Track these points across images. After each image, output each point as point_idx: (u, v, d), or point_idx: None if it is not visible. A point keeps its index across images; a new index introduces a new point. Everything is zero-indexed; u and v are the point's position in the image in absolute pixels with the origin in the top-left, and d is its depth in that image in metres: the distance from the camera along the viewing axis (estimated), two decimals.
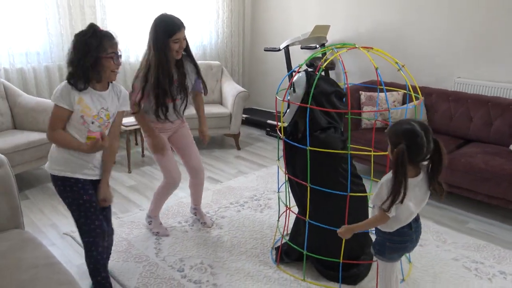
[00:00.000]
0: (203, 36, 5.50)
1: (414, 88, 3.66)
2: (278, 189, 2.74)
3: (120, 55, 1.97)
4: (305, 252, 2.43)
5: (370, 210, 2.17)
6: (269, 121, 5.28)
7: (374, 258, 2.51)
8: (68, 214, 3.10)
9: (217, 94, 4.97)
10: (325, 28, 4.77)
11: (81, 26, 4.35)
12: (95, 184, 2.12)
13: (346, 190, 2.26)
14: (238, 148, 4.76)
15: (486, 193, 3.14)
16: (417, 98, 3.11)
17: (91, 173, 2.08)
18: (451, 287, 2.42)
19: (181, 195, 3.50)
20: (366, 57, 4.72)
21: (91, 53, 1.86)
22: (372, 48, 2.37)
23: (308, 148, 2.24)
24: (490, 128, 3.62)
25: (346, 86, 2.36)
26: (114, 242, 2.69)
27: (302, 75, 2.45)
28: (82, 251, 2.66)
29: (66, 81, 1.94)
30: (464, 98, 3.80)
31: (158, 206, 2.94)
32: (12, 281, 1.67)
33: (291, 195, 2.61)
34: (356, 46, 2.35)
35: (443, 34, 4.13)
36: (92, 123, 1.98)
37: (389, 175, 1.76)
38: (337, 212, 2.31)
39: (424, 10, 4.22)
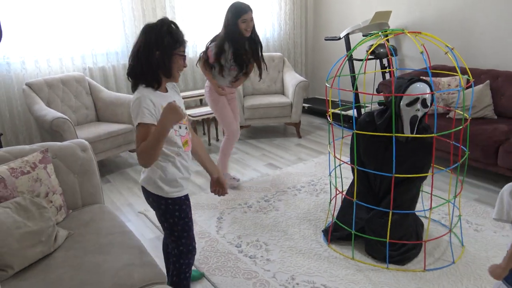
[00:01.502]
0: (266, 29, 5.70)
1: (464, 70, 3.55)
2: (330, 172, 2.86)
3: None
4: (353, 231, 2.55)
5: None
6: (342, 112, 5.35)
7: (423, 238, 2.57)
8: (142, 195, 3.52)
9: (279, 85, 5.15)
10: (387, 14, 4.74)
11: None
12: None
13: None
14: (299, 136, 4.92)
15: None
16: (468, 81, 3.05)
17: (189, 186, 1.98)
18: None
19: (242, 180, 3.74)
20: (435, 41, 4.63)
21: (166, 48, 1.70)
22: (420, 33, 2.40)
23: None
24: None
25: (390, 71, 2.41)
26: None
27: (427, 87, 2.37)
28: (153, 227, 3.04)
29: (141, 86, 1.73)
30: None
31: (225, 163, 3.56)
32: (93, 244, 2.00)
33: (344, 179, 2.73)
34: (404, 31, 2.39)
35: (510, 15, 3.94)
36: (180, 128, 1.83)
37: None
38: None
39: None
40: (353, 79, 4.72)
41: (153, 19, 4.69)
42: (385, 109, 2.51)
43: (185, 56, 1.77)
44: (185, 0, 4.94)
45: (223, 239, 2.85)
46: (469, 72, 2.34)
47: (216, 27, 5.21)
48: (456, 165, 2.43)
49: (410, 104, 2.34)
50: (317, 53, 6.24)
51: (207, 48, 3.30)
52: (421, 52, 2.20)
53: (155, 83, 1.74)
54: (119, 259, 1.89)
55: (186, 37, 1.81)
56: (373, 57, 4.72)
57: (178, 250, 1.94)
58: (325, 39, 5.21)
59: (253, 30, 3.25)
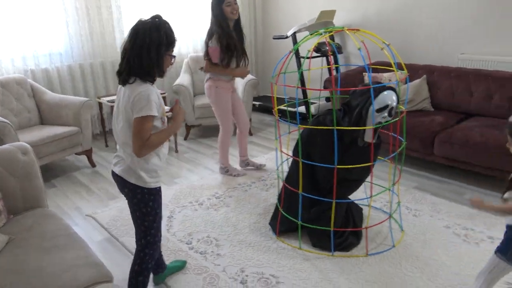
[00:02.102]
0: None
1: (400, 65, 3.74)
2: (277, 167, 2.94)
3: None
4: (299, 222, 2.64)
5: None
6: (288, 109, 5.46)
7: (364, 225, 2.71)
8: (91, 198, 3.48)
9: None
10: (331, 13, 4.90)
11: (98, 26, 4.68)
12: None
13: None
14: (250, 134, 4.97)
15: (483, 164, 3.24)
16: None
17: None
18: (439, 251, 2.57)
19: (193, 179, 3.77)
20: (372, 38, 4.83)
21: (163, 48, 1.80)
22: (358, 30, 2.51)
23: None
24: (490, 102, 3.69)
25: (335, 67, 2.52)
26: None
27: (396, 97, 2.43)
28: (102, 229, 3.01)
29: (138, 80, 1.80)
30: (465, 74, 3.87)
31: (225, 155, 3.77)
32: (37, 248, 1.97)
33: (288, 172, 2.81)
34: (343, 28, 2.50)
35: (446, 13, 4.19)
36: (164, 118, 1.93)
37: None
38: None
39: None
40: (300, 75, 4.84)
41: (98, 18, 4.65)
42: (346, 110, 2.54)
43: (174, 56, 1.90)
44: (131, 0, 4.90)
45: (174, 237, 2.86)
46: (404, 67, 2.48)
47: (167, 15, 5.18)
48: (393, 154, 2.57)
49: (380, 110, 2.37)
50: (267, 51, 6.34)
51: (207, 47, 3.41)
52: (359, 49, 2.31)
53: (151, 79, 1.84)
54: (63, 262, 1.87)
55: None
56: (319, 54, 4.87)
57: (145, 240, 2.00)
58: (273, 38, 5.31)
59: (237, 19, 3.41)
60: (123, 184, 1.95)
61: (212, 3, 3.34)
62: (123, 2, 4.83)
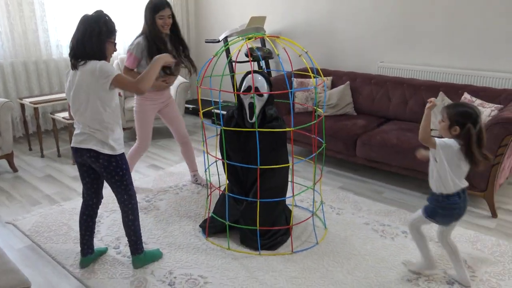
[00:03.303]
0: None
1: (317, 71, 3.94)
2: (205, 169, 2.98)
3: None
4: (227, 222, 2.70)
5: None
6: (215, 111, 5.50)
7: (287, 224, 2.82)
8: (11, 204, 3.30)
9: None
10: (261, 19, 5.03)
11: (20, 24, 4.45)
12: None
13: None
14: None
15: (399, 165, 3.51)
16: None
17: None
18: (357, 246, 2.75)
19: None
20: (303, 44, 5.03)
21: (102, 36, 2.14)
22: (279, 37, 2.63)
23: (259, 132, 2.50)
24: (405, 107, 4.00)
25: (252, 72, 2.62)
26: (54, 227, 2.94)
27: (262, 78, 2.69)
28: (23, 236, 2.87)
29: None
30: (384, 81, 4.16)
31: (131, 165, 3.43)
32: None
33: (221, 175, 2.86)
34: (264, 35, 2.61)
35: (367, 22, 4.48)
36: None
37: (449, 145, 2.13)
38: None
39: (351, 0, 4.56)
40: (232, 79, 4.92)
41: (19, 14, 4.41)
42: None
43: (115, 43, 2.25)
44: None
45: (101, 242, 2.80)
46: (321, 73, 2.64)
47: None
48: (313, 155, 2.72)
49: (246, 91, 2.66)
50: (200, 55, 6.36)
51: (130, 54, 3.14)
52: (278, 55, 2.42)
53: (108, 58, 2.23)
54: None
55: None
56: (247, 60, 4.98)
57: (128, 195, 2.38)
58: (206, 42, 5.35)
59: (175, 28, 3.21)
60: (96, 157, 2.25)
61: (145, 10, 3.11)
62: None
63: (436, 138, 2.15)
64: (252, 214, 2.68)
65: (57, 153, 4.37)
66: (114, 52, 2.28)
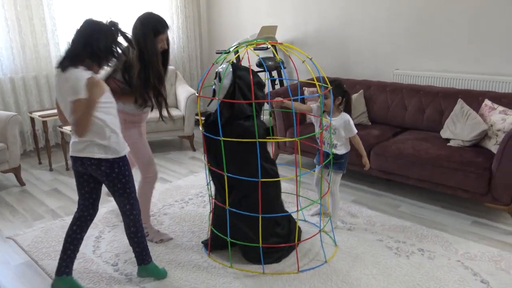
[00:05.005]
0: None
1: (323, 79, 3.79)
2: (207, 183, 2.84)
3: None
4: (228, 239, 2.56)
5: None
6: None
7: (294, 240, 2.65)
8: (14, 219, 3.24)
9: (172, 98, 5.10)
10: (272, 28, 4.93)
11: (31, 38, 4.47)
12: None
13: (265, 175, 2.41)
14: (193, 149, 4.88)
15: (416, 177, 3.30)
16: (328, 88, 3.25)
17: None
18: (369, 265, 2.56)
19: None
20: (315, 53, 4.90)
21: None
22: (281, 44, 2.51)
23: (224, 139, 2.37)
24: (423, 116, 3.79)
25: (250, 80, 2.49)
26: (54, 243, 2.86)
27: (227, 66, 2.56)
28: (22, 252, 2.80)
29: (81, 67, 2.07)
30: (400, 89, 3.97)
31: (146, 211, 2.86)
32: None
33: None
34: (266, 42, 2.49)
35: (382, 29, 4.31)
36: None
37: (342, 118, 2.79)
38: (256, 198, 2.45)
39: (365, 7, 4.40)
40: None
41: (30, 29, 4.43)
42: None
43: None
44: (66, 11, 4.71)
45: (99, 258, 2.70)
46: (326, 80, 2.49)
47: None
48: (318, 168, 2.56)
49: (214, 78, 2.59)
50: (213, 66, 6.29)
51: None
52: (280, 60, 2.29)
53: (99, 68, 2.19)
54: None
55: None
56: (262, 69, 4.87)
57: (130, 204, 2.30)
58: (216, 52, 5.28)
59: (167, 52, 2.70)
60: (97, 164, 2.16)
61: (143, 30, 2.48)
62: (58, 14, 4.64)
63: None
64: (243, 229, 2.54)
65: (66, 166, 4.33)
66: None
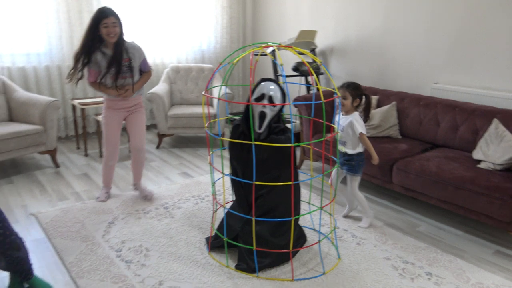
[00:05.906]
0: (202, 41, 5.76)
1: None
2: (213, 183, 2.85)
3: None
4: (225, 238, 2.56)
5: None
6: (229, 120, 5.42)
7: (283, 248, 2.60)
8: (42, 197, 3.46)
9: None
10: (311, 33, 4.87)
11: (79, 30, 4.73)
12: None
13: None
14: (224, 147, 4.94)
15: (438, 197, 3.12)
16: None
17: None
18: (368, 283, 2.45)
19: (149, 188, 3.71)
20: (354, 61, 4.78)
21: None
22: (292, 47, 2.48)
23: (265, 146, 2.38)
24: (456, 133, 3.58)
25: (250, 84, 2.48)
26: (70, 223, 3.04)
27: (275, 87, 2.54)
28: (39, 229, 2.98)
29: None
30: (434, 103, 3.77)
31: (105, 177, 3.48)
32: None
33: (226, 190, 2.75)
34: (274, 44, 2.46)
35: (423, 40, 4.13)
36: None
37: (350, 117, 2.88)
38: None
39: (407, 17, 4.24)
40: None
41: (79, 21, 4.70)
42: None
43: None
44: (115, 5, 4.94)
45: (106, 243, 2.80)
46: (335, 86, 2.42)
47: (151, 27, 5.21)
48: (322, 174, 2.49)
49: (258, 99, 2.48)
50: (256, 67, 6.34)
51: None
52: (281, 65, 2.27)
53: None
54: None
55: None
56: (298, 74, 4.84)
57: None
58: (255, 54, 5.30)
59: (119, 39, 3.11)
60: None
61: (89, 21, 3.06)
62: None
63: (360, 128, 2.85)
64: (249, 234, 2.52)
65: (99, 153, 4.55)
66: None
